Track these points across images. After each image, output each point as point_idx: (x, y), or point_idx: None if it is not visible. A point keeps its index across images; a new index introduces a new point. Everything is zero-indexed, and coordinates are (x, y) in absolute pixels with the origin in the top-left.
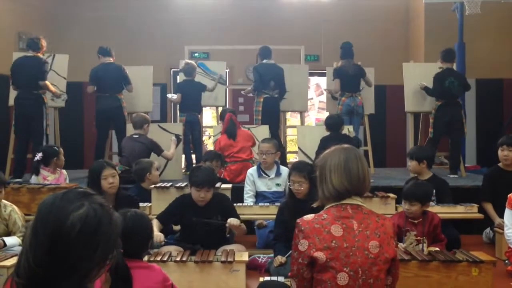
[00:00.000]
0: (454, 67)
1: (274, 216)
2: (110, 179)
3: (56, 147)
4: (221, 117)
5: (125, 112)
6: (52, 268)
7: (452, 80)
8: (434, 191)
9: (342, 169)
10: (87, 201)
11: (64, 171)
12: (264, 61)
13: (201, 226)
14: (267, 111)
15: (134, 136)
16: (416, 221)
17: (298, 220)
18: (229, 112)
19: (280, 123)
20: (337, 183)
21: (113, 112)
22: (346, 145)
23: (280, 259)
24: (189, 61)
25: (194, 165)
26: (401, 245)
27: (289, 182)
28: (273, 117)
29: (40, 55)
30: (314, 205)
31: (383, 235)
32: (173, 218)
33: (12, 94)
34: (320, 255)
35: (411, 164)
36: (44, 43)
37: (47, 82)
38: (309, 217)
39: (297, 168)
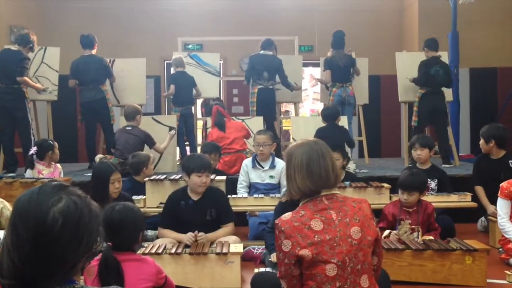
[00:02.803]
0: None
1: (268, 208)
2: (117, 184)
3: (50, 141)
4: (209, 111)
5: (109, 104)
6: (39, 265)
7: (438, 69)
8: (436, 180)
9: (304, 170)
10: (65, 194)
11: (58, 165)
12: (262, 52)
13: (195, 220)
14: (262, 102)
15: (127, 128)
16: (411, 210)
17: (276, 221)
18: (215, 104)
19: (276, 114)
20: (301, 184)
21: (97, 104)
22: (312, 140)
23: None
24: (178, 55)
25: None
26: (395, 232)
27: None
28: (268, 108)
29: (25, 50)
30: (282, 199)
31: (362, 218)
32: (173, 218)
33: None
34: (305, 252)
35: (423, 152)
36: (34, 38)
37: (25, 78)
38: (287, 216)
39: None
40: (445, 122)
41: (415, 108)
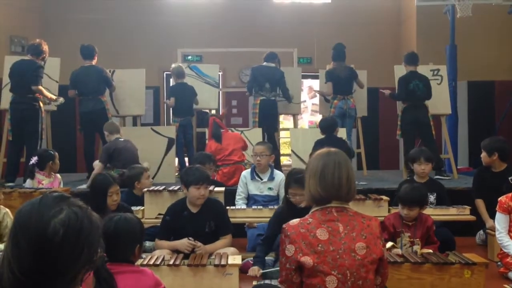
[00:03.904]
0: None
1: (267, 219)
2: (114, 197)
3: (51, 151)
4: (205, 122)
5: (109, 114)
6: (39, 276)
7: (417, 83)
8: (435, 194)
9: (318, 175)
10: (66, 205)
11: (58, 175)
12: (264, 63)
13: (194, 232)
14: (264, 113)
15: (121, 139)
16: (410, 223)
17: (284, 226)
18: (212, 116)
19: (278, 126)
20: (313, 189)
21: (96, 114)
22: (332, 149)
23: (256, 271)
24: (178, 64)
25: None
26: (398, 250)
27: (288, 195)
28: (270, 120)
29: (39, 61)
30: (302, 205)
31: (369, 235)
32: (171, 230)
33: (5, 97)
34: (307, 259)
35: (427, 166)
36: (46, 48)
37: (40, 87)
38: (294, 222)
39: (297, 181)
40: (430, 134)
41: (398, 122)
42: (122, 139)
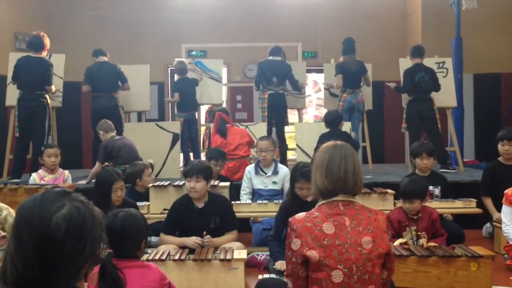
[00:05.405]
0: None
1: (272, 214)
2: (119, 192)
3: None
4: (213, 117)
5: (121, 111)
6: (42, 271)
7: (423, 75)
8: (439, 187)
9: (324, 168)
10: (68, 200)
11: (66, 171)
12: (270, 57)
13: (199, 228)
14: (273, 107)
15: (116, 137)
16: (416, 217)
17: (290, 219)
18: (218, 111)
19: (287, 119)
20: (319, 181)
21: (109, 111)
22: (339, 142)
23: (282, 265)
24: (180, 59)
25: None
26: (410, 246)
27: (294, 189)
28: (279, 113)
29: (43, 54)
30: (309, 199)
31: (376, 230)
32: (176, 225)
33: (11, 94)
34: (313, 253)
35: (429, 161)
36: (47, 41)
37: (53, 87)
38: (300, 215)
39: (304, 175)
40: (436, 127)
41: (404, 115)
42: (117, 137)
